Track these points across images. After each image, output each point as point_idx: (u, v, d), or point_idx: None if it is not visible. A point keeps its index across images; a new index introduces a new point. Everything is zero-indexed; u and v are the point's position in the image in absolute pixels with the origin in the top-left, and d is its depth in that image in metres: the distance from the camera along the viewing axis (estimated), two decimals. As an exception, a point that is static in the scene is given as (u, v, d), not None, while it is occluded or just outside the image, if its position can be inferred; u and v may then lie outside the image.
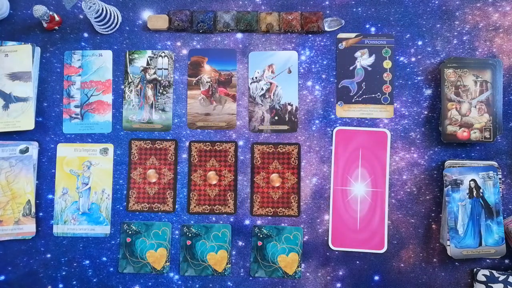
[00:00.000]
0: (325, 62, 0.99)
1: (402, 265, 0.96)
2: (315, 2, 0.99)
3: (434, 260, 0.96)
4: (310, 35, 0.99)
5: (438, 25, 0.98)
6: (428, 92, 0.98)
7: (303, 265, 0.96)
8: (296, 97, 0.99)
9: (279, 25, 0.98)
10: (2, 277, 0.97)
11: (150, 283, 0.97)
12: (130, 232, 0.97)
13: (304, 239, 0.97)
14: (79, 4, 1.00)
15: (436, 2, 0.98)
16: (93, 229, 0.97)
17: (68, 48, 1.00)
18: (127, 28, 1.00)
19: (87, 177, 0.98)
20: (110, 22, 0.97)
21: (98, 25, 0.97)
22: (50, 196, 0.98)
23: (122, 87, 1.00)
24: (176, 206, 0.98)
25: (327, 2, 0.99)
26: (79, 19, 1.00)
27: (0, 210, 0.96)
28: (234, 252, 0.97)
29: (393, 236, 0.96)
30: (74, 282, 0.97)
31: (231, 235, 0.97)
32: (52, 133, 0.99)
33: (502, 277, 0.91)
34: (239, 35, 1.00)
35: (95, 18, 0.93)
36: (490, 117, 0.93)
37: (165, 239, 0.97)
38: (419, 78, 0.98)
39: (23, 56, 0.96)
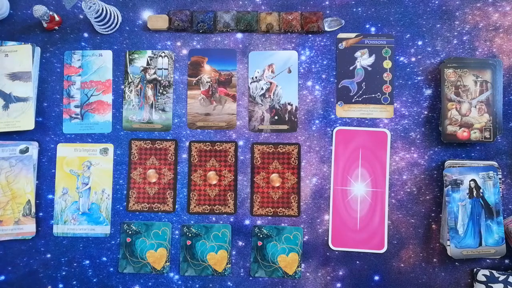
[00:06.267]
0: (325, 62, 0.99)
1: (402, 265, 0.96)
2: (315, 2, 0.99)
3: (434, 260, 0.96)
4: (310, 35, 0.99)
5: (438, 25, 0.98)
6: (428, 92, 0.98)
7: (303, 265, 0.96)
8: (296, 97, 0.99)
9: (279, 25, 0.98)
10: (2, 277, 0.97)
11: (150, 283, 0.97)
12: (130, 232, 0.97)
13: (304, 239, 0.97)
14: (79, 4, 1.00)
15: (436, 2, 0.98)
16: (93, 229, 0.97)
17: (68, 48, 1.00)
18: (127, 28, 1.00)
19: (87, 177, 0.98)
20: (110, 22, 0.97)
21: (98, 25, 0.97)
22: (50, 196, 0.98)
23: (122, 87, 1.00)
24: (176, 206, 0.98)
25: (327, 2, 0.99)
26: (79, 19, 1.00)
27: (0, 210, 0.96)
28: (234, 252, 0.97)
29: (393, 236, 0.96)
30: (74, 282, 0.97)
31: (231, 235, 0.97)
32: (52, 133, 0.99)
33: (502, 277, 0.91)
34: (239, 35, 1.00)
35: (95, 18, 0.93)
36: (490, 117, 0.93)
37: (165, 239, 0.97)
38: (419, 78, 0.98)
39: (23, 56, 0.96)
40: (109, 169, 0.98)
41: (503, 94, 0.95)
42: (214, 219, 0.98)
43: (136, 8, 1.00)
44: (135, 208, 0.98)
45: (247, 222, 0.98)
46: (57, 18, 0.97)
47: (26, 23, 1.00)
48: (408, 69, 0.98)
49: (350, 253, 0.97)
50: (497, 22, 0.98)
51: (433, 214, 0.96)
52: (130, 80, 1.00)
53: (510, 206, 0.96)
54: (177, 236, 0.97)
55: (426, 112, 0.98)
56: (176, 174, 0.98)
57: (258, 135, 0.99)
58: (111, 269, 0.97)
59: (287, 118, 0.99)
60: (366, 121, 0.98)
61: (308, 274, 0.96)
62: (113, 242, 0.97)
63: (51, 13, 0.96)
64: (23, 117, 0.96)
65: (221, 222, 0.98)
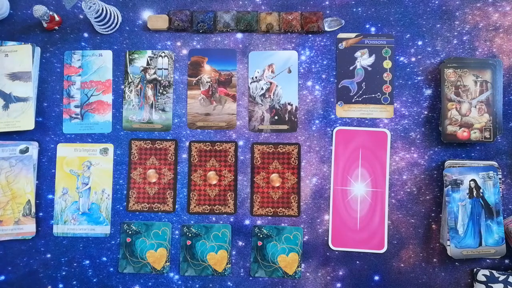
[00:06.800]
0: (325, 62, 0.99)
1: (402, 265, 0.96)
2: (315, 2, 0.99)
3: (434, 260, 0.96)
4: (310, 35, 0.99)
5: (438, 25, 0.98)
6: (428, 92, 0.98)
7: (303, 265, 0.96)
8: (296, 97, 0.99)
9: (279, 25, 0.98)
10: (2, 277, 0.97)
11: (150, 283, 0.97)
12: (130, 232, 0.97)
13: (304, 239, 0.97)
14: (79, 4, 1.00)
15: (436, 2, 0.98)
16: (93, 229, 0.97)
17: (68, 48, 1.00)
18: (127, 28, 1.00)
19: (87, 177, 0.98)
20: (110, 22, 0.97)
21: (98, 25, 0.97)
22: (50, 196, 0.98)
23: (122, 87, 1.00)
24: (176, 206, 0.98)
25: (327, 2, 0.99)
26: (79, 19, 1.00)
27: (0, 210, 0.96)
28: (234, 252, 0.97)
29: (393, 236, 0.96)
30: (74, 282, 0.97)
31: (231, 235, 0.97)
32: (52, 133, 0.99)
33: (502, 277, 0.91)
34: (239, 35, 1.00)
35: (95, 18, 0.93)
36: (490, 117, 0.93)
37: (165, 239, 0.97)
38: (419, 78, 0.98)
39: (23, 56, 0.96)
40: (109, 169, 0.98)
41: (503, 94, 0.95)
42: (214, 219, 0.98)
43: (136, 8, 1.00)
44: (135, 208, 0.98)
45: (247, 222, 0.98)
46: (57, 18, 0.97)
47: (26, 23, 1.00)
48: (408, 69, 0.98)
49: (350, 253, 0.97)
50: (497, 22, 0.98)
51: (433, 214, 0.96)
52: (130, 80, 1.00)
53: (510, 206, 0.96)
54: (177, 236, 0.97)
55: (426, 112, 0.98)
56: (176, 174, 0.98)
57: (258, 135, 0.99)
58: (111, 269, 0.97)
59: (287, 118, 0.99)
60: (366, 121, 0.98)
61: (308, 274, 0.96)
62: (113, 242, 0.97)
63: (51, 13, 0.96)
64: (23, 117, 0.96)
65: (221, 222, 0.98)
